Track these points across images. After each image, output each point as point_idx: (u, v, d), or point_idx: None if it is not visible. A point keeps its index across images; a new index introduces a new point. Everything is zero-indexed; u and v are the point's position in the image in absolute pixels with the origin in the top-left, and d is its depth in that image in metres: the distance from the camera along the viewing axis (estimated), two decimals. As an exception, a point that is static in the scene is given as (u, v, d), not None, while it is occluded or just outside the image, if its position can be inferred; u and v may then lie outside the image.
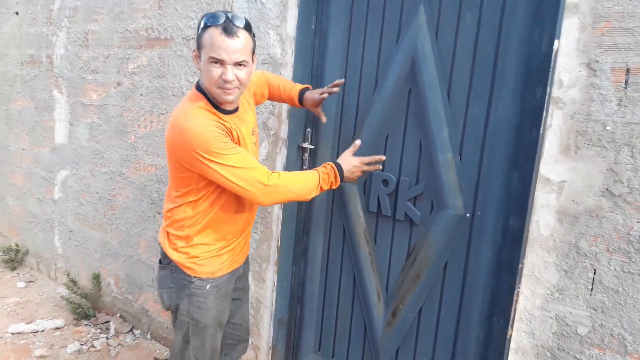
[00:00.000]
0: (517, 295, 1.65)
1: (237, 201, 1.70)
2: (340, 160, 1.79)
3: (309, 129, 2.20)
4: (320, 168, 1.74)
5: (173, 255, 1.69)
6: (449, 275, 1.89)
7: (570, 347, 1.57)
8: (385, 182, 1.99)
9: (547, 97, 1.55)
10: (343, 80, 1.94)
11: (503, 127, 1.71)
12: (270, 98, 2.03)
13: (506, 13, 1.68)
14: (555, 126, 1.54)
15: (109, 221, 3.16)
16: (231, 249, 1.76)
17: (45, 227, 3.72)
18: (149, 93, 2.77)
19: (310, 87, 2.01)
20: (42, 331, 3.00)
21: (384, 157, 1.88)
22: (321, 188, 1.70)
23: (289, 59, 2.16)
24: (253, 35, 1.57)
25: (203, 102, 1.57)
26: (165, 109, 2.69)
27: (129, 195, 2.99)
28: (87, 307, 3.20)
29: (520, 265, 1.63)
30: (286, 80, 2.03)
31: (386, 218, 2.02)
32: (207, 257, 1.70)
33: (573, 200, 1.53)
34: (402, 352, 2.04)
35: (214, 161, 1.49)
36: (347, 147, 2.07)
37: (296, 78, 2.14)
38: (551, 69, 1.53)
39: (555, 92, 1.53)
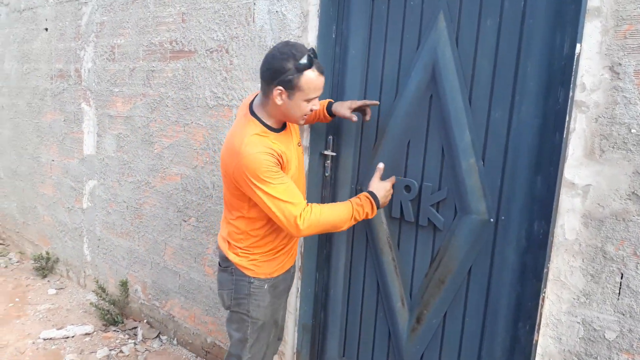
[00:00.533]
0: (543, 300, 1.64)
1: None
2: (372, 188, 1.85)
3: (330, 137, 2.22)
4: (354, 199, 1.79)
5: (234, 258, 1.82)
6: (473, 280, 1.88)
7: (598, 352, 1.55)
8: (408, 188, 2.00)
9: (570, 100, 1.54)
10: (377, 102, 2.03)
11: (526, 131, 1.71)
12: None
13: (527, 17, 1.69)
14: (579, 130, 1.54)
15: (136, 229, 3.23)
16: (286, 252, 1.88)
17: (74, 236, 3.82)
18: (174, 104, 2.84)
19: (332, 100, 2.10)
20: (73, 337, 3.08)
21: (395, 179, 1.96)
22: (355, 219, 1.76)
23: (311, 67, 2.19)
24: None
25: (259, 129, 1.68)
26: (190, 120, 2.75)
27: (155, 203, 3.06)
28: (115, 314, 3.27)
29: (545, 270, 1.63)
30: None
31: (409, 224, 2.02)
32: (265, 260, 1.82)
33: (599, 204, 1.52)
34: (427, 357, 2.04)
35: (260, 187, 1.61)
36: (368, 154, 2.10)
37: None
38: (574, 73, 1.53)
39: (578, 95, 1.53)
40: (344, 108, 1.99)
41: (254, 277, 1.81)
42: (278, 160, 1.66)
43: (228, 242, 1.85)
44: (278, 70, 1.58)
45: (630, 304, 1.49)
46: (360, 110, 2.02)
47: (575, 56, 1.52)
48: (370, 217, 1.79)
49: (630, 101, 1.45)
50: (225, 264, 1.86)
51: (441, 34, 1.88)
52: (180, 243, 2.92)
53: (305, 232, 1.67)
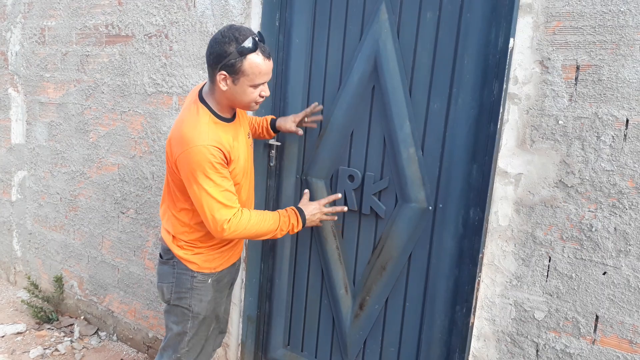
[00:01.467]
0: (478, 284, 1.72)
1: (240, 201, 1.77)
2: (301, 204, 1.88)
3: (274, 126, 2.21)
4: (282, 210, 1.80)
5: (177, 251, 1.76)
6: (413, 266, 1.94)
7: (529, 331, 1.65)
8: (351, 178, 2.02)
9: (503, 93, 1.61)
10: (321, 106, 2.04)
11: (462, 122, 1.78)
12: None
13: (464, 11, 1.74)
14: (512, 121, 1.61)
15: (71, 222, 3.09)
16: (232, 246, 1.85)
17: (2, 230, 3.61)
18: (111, 91, 2.73)
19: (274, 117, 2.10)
20: (3, 337, 2.92)
21: (339, 196, 1.94)
22: (281, 230, 1.76)
23: (254, 56, 2.16)
24: None
25: (210, 118, 1.63)
26: (128, 107, 2.65)
27: (91, 195, 2.94)
28: (49, 311, 3.12)
29: (480, 255, 1.70)
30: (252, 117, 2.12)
31: (353, 212, 2.06)
32: (210, 255, 1.78)
33: (529, 191, 1.60)
34: (370, 342, 2.09)
35: (198, 182, 1.56)
36: (313, 144, 2.11)
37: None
38: (507, 66, 1.60)
39: (512, 88, 1.60)
40: (288, 123, 2.01)
41: (197, 272, 1.76)
42: (225, 156, 1.60)
43: (172, 235, 1.77)
44: (220, 54, 1.52)
45: (557, 285, 1.59)
46: (303, 121, 2.06)
47: (509, 50, 1.59)
48: (296, 229, 1.78)
49: (558, 94, 1.53)
50: (167, 257, 1.79)
51: (383, 26, 1.91)
52: (118, 236, 2.83)
53: (229, 236, 1.64)
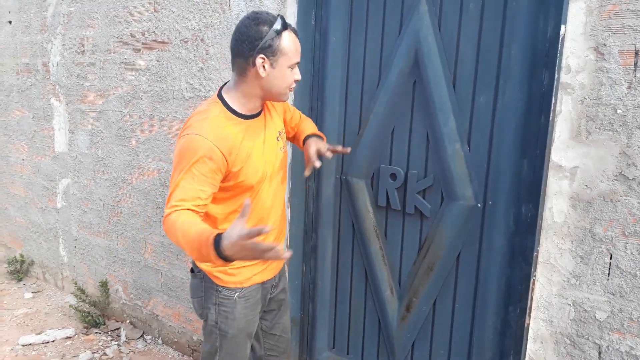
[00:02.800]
0: (533, 284, 1.64)
1: (260, 207, 1.63)
2: (227, 230, 1.26)
3: (313, 126, 2.18)
4: (210, 230, 1.32)
5: (202, 264, 1.65)
6: (462, 266, 1.88)
7: (590, 332, 1.56)
8: (394, 176, 1.97)
9: (555, 83, 1.53)
10: (349, 149, 1.93)
11: (511, 114, 1.70)
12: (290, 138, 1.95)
13: (509, 0, 1.67)
14: (565, 112, 1.53)
15: (114, 228, 3.14)
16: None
17: (49, 237, 3.70)
18: (149, 97, 2.75)
19: (322, 135, 1.90)
20: (53, 341, 2.99)
21: (269, 227, 1.21)
22: (201, 253, 1.29)
23: (290, 56, 2.14)
24: None
25: (223, 112, 1.52)
26: (167, 112, 2.67)
27: (132, 200, 2.98)
28: (96, 315, 3.18)
29: (535, 253, 1.62)
30: (307, 123, 1.94)
31: (396, 212, 2.00)
32: (234, 267, 1.63)
33: (586, 185, 1.52)
34: (418, 345, 2.03)
35: (179, 165, 1.44)
36: (352, 143, 2.08)
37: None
38: (559, 55, 1.52)
39: (564, 77, 1.52)
40: (312, 148, 1.78)
41: (222, 286, 1.64)
42: (225, 158, 1.46)
43: None
44: (255, 37, 1.43)
45: (619, 284, 1.50)
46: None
47: (560, 38, 1.51)
48: (214, 262, 1.26)
49: (615, 82, 1.44)
50: (197, 269, 1.70)
51: (423, 19, 1.85)
52: (160, 240, 2.85)
53: (165, 229, 1.42)
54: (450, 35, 1.81)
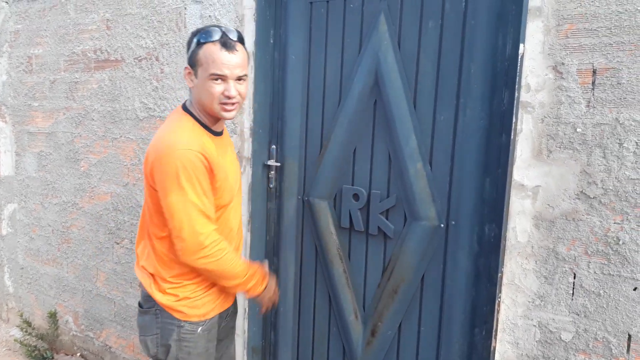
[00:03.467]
0: (499, 305, 1.61)
1: (227, 229, 1.59)
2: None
3: (273, 146, 2.12)
4: (252, 263, 1.62)
5: (160, 297, 1.53)
6: (427, 288, 1.83)
7: (556, 354, 1.54)
8: (356, 196, 1.92)
9: (515, 101, 1.53)
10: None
11: (472, 133, 1.69)
12: None
13: (468, 18, 1.67)
14: (526, 130, 1.52)
15: (64, 255, 2.97)
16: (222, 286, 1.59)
17: (-7, 266, 3.47)
18: (101, 117, 2.63)
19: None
20: (-5, 379, 2.77)
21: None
22: (247, 280, 1.55)
23: (249, 74, 2.08)
24: (245, 47, 1.51)
25: (194, 124, 1.50)
26: (120, 133, 2.56)
27: (84, 226, 2.82)
28: (44, 349, 2.98)
29: (499, 274, 1.60)
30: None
31: (359, 233, 1.95)
32: (199, 298, 1.54)
33: (548, 204, 1.51)
34: (384, 371, 1.97)
35: (178, 184, 1.39)
36: (314, 163, 2.02)
37: (258, 94, 2.06)
38: (518, 73, 1.52)
39: (524, 96, 1.52)
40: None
41: (184, 321, 1.53)
42: (208, 167, 1.44)
43: (152, 275, 1.56)
44: (188, 48, 1.48)
45: (584, 304, 1.48)
46: None
47: (519, 56, 1.51)
48: (254, 289, 1.58)
49: (574, 100, 1.44)
50: (148, 305, 1.57)
51: (383, 37, 1.83)
52: (113, 267, 2.70)
53: (204, 255, 1.43)
54: (410, 54, 1.79)
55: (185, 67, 1.49)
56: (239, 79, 1.45)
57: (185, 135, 1.44)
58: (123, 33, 2.48)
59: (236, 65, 1.42)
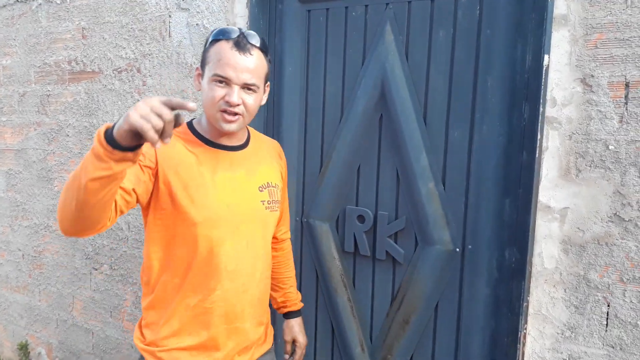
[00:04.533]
0: (524, 337, 1.48)
1: (213, 266, 1.28)
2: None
3: (268, 165, 1.96)
4: None
5: (136, 341, 1.35)
6: (441, 317, 1.70)
7: (588, 390, 1.41)
8: (361, 218, 1.78)
9: (540, 117, 1.41)
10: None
11: (489, 151, 1.57)
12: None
13: (483, 28, 1.55)
14: (552, 148, 1.41)
15: (36, 282, 2.74)
16: (200, 314, 1.30)
17: (-44, 293, 3.20)
18: (77, 133, 2.43)
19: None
20: (-42, 422, 2.52)
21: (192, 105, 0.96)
22: (85, 165, 0.99)
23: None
24: (269, 60, 1.32)
25: (180, 128, 1.31)
26: (98, 150, 2.36)
27: (58, 250, 2.60)
28: (13, 385, 2.74)
29: (525, 304, 1.47)
30: (292, 271, 1.67)
31: (365, 258, 1.81)
32: (166, 335, 1.31)
33: (578, 228, 1.39)
34: (393, 407, 1.82)
35: None
36: (313, 183, 1.88)
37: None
38: (542, 86, 1.40)
39: (549, 111, 1.40)
40: (289, 337, 1.64)
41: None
42: (153, 155, 1.22)
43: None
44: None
45: (619, 335, 1.37)
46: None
47: (544, 68, 1.40)
48: (101, 139, 0.95)
49: (605, 115, 1.34)
50: None
51: (389, 48, 1.70)
52: (91, 295, 2.49)
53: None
54: (419, 66, 1.67)
55: (196, 68, 1.32)
56: (248, 87, 1.24)
57: None
58: (101, 42, 2.30)
59: (245, 70, 1.21)
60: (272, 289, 1.61)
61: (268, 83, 1.34)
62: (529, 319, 1.47)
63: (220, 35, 1.24)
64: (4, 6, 2.65)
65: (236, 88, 1.22)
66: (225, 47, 1.22)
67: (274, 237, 1.57)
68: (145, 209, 1.28)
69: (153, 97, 0.91)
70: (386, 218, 1.74)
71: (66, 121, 2.47)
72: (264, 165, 1.41)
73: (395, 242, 1.74)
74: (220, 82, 1.22)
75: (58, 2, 2.43)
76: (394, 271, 1.76)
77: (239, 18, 1.90)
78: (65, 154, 2.50)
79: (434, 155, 1.66)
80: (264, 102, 1.34)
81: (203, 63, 1.27)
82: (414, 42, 1.67)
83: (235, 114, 1.24)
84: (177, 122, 0.92)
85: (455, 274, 1.66)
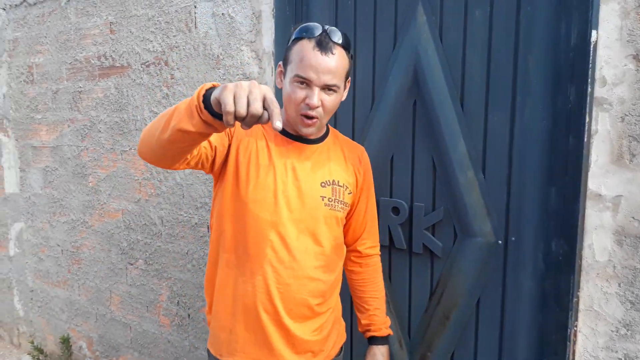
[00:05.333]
0: (575, 335, 1.39)
1: (255, 254, 1.28)
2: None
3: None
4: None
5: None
6: (483, 313, 1.61)
7: (646, 392, 1.31)
8: (396, 210, 1.71)
9: (588, 98, 1.30)
10: None
11: (533, 136, 1.46)
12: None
13: (523, 5, 1.44)
14: (602, 131, 1.30)
15: (75, 277, 2.78)
16: (232, 305, 1.32)
17: (2, 288, 3.30)
18: (108, 129, 2.44)
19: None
20: (6, 413, 2.60)
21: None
22: (178, 110, 1.00)
23: (268, 77, 1.87)
24: (351, 57, 1.28)
25: None
26: (129, 146, 2.36)
27: (94, 245, 2.63)
28: (57, 377, 2.81)
29: (575, 299, 1.37)
30: (380, 291, 1.55)
31: (401, 252, 1.74)
32: (217, 314, 1.37)
33: (633, 217, 1.28)
34: (434, 404, 1.75)
35: None
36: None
37: (278, 99, 1.85)
38: (590, 65, 1.29)
39: (598, 91, 1.29)
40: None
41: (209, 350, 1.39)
42: (232, 131, 1.26)
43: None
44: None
45: (681, 334, 1.26)
46: None
47: (591, 45, 1.28)
48: (196, 101, 0.95)
49: (663, 94, 1.22)
50: None
51: (421, 30, 1.61)
52: (128, 290, 2.51)
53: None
54: (454, 47, 1.57)
55: (278, 65, 1.30)
56: (328, 88, 1.21)
57: None
58: (128, 37, 2.28)
59: (327, 71, 1.19)
60: (357, 309, 1.56)
61: (349, 79, 1.32)
62: (580, 315, 1.38)
63: (303, 33, 1.22)
64: (35, 4, 2.67)
65: (317, 90, 1.21)
66: (307, 47, 1.20)
67: (357, 251, 1.51)
68: (215, 178, 1.33)
69: (261, 86, 0.88)
70: (422, 210, 1.66)
71: (98, 117, 2.47)
72: (335, 164, 1.37)
73: (433, 235, 1.66)
74: (302, 83, 1.21)
75: (86, -2, 2.42)
76: (432, 265, 1.69)
77: (265, 5, 1.84)
78: (98, 150, 2.51)
79: (473, 142, 1.56)
80: (344, 98, 1.33)
81: (285, 61, 1.26)
82: (448, 22, 1.57)
83: (313, 117, 1.23)
84: (260, 121, 0.89)
85: (497, 267, 1.56)
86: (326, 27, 1.22)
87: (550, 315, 1.48)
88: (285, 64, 1.26)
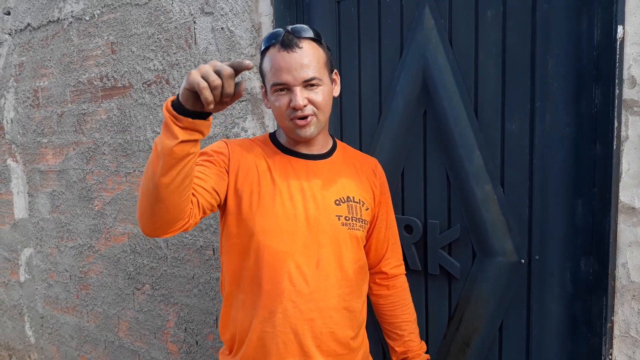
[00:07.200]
0: (611, 364, 1.24)
1: (269, 286, 1.16)
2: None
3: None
4: None
5: None
6: (507, 339, 1.48)
7: None
8: (409, 228, 1.59)
9: (615, 100, 1.18)
10: None
11: (555, 144, 1.34)
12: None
13: (539, 3, 1.33)
14: (633, 137, 1.17)
15: (83, 302, 2.71)
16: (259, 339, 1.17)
17: (13, 315, 3.25)
18: (112, 151, 2.38)
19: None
20: None
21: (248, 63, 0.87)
22: (155, 151, 0.93)
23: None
24: (326, 47, 1.20)
25: (261, 136, 1.30)
26: (133, 167, 2.29)
27: (101, 270, 2.56)
28: (67, 407, 2.72)
29: (608, 324, 1.23)
30: (412, 314, 1.43)
31: (416, 273, 1.61)
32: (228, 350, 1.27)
33: (673, 232, 1.14)
34: None
35: None
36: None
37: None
38: (617, 64, 1.17)
39: (627, 93, 1.16)
40: None
41: None
42: (227, 150, 1.18)
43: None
44: None
45: None
46: None
47: (617, 42, 1.16)
48: (174, 123, 0.88)
49: (702, 93, 1.09)
50: None
51: (429, 34, 1.51)
52: (135, 316, 2.43)
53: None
54: (465, 52, 1.46)
55: (261, 86, 1.25)
56: (309, 84, 1.12)
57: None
58: (129, 56, 2.22)
59: (299, 67, 1.10)
60: (388, 336, 1.42)
61: (335, 71, 1.23)
62: (615, 342, 1.23)
63: (266, 42, 1.15)
64: (38, 28, 2.64)
65: (297, 90, 1.11)
66: (273, 53, 1.13)
67: (383, 273, 1.38)
68: (221, 212, 1.22)
69: (215, 60, 0.86)
70: (437, 227, 1.54)
71: (102, 139, 2.42)
72: (348, 178, 1.26)
73: (450, 255, 1.54)
74: (281, 89, 1.13)
75: (87, 18, 2.38)
76: (450, 287, 1.56)
77: (264, 17, 1.76)
78: (102, 173, 2.45)
79: (489, 152, 1.45)
80: (336, 93, 1.24)
81: (263, 78, 1.20)
82: (458, 25, 1.46)
83: (306, 116, 1.13)
84: (237, 89, 0.86)
85: (521, 288, 1.43)
86: (288, 27, 1.15)
87: (582, 342, 1.33)
88: (263, 81, 1.19)
